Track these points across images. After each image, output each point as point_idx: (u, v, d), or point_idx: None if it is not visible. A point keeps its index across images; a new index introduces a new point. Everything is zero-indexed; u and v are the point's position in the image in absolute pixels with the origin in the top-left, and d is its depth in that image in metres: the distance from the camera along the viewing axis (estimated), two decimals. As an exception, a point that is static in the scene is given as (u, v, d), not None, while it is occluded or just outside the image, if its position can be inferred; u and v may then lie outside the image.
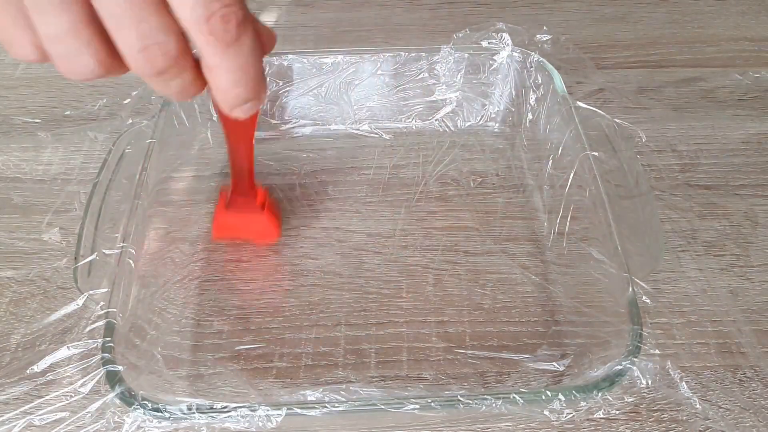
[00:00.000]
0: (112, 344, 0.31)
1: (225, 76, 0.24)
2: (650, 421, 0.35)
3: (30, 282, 0.40)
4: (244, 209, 0.40)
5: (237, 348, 0.37)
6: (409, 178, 0.47)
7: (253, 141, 0.37)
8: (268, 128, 0.50)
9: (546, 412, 0.31)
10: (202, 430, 0.30)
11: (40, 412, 0.33)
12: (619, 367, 0.31)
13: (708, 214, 0.44)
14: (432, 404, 0.30)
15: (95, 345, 0.32)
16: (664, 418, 0.35)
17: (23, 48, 0.23)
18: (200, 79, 0.25)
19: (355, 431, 0.35)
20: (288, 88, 0.49)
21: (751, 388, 0.36)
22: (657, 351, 0.33)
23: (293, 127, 0.50)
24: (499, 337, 0.38)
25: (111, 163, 0.40)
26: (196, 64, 0.24)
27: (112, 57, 0.23)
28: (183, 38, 0.23)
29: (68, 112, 0.51)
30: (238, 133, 0.36)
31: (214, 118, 0.47)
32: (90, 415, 0.31)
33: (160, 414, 0.29)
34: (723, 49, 0.57)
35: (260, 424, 0.29)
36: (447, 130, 0.50)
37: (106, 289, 0.34)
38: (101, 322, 0.32)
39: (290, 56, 0.47)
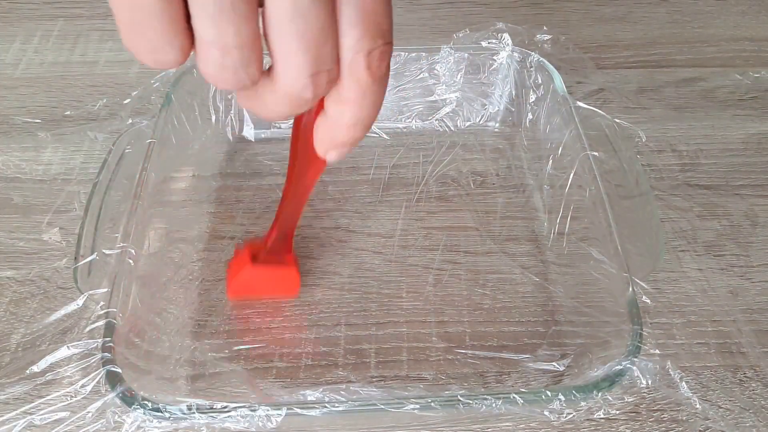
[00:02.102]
0: (112, 344, 0.31)
1: (354, 111, 0.23)
2: (650, 421, 0.35)
3: (30, 282, 0.40)
4: (274, 264, 0.38)
5: (237, 348, 0.37)
6: (409, 178, 0.47)
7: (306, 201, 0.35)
8: (269, 128, 0.50)
9: (546, 412, 0.31)
10: (202, 430, 0.30)
11: (41, 412, 0.33)
12: (619, 367, 0.31)
13: (708, 214, 0.44)
14: (432, 404, 0.30)
15: (95, 345, 0.32)
16: (664, 418, 0.35)
17: (169, 54, 0.21)
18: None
19: (355, 431, 0.35)
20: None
21: (751, 388, 0.36)
22: (657, 351, 0.33)
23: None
24: (499, 337, 0.38)
25: (111, 163, 0.40)
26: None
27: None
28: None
29: (68, 112, 0.51)
30: (301, 189, 0.33)
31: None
32: (90, 415, 0.31)
33: (160, 414, 0.29)
34: (723, 49, 0.57)
35: (260, 424, 0.29)
36: (447, 130, 0.50)
37: (106, 289, 0.34)
38: (101, 322, 0.32)
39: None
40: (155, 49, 0.21)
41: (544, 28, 0.49)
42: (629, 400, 0.34)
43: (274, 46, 0.21)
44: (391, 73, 0.48)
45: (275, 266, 0.38)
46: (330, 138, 0.25)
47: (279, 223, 0.36)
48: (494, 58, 0.48)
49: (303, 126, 0.29)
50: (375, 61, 0.22)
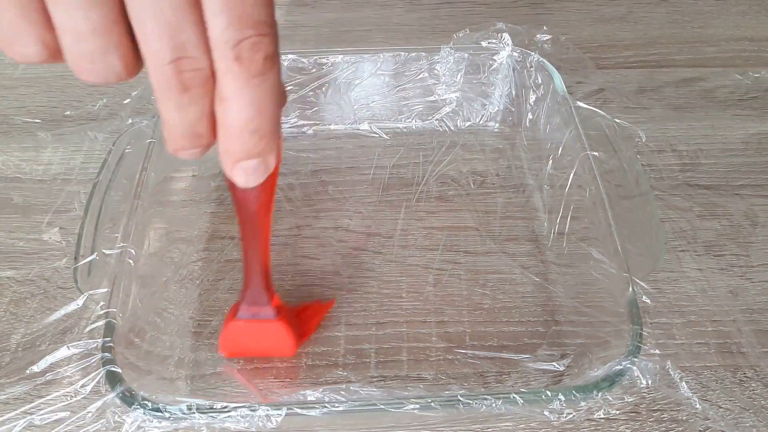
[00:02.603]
0: (112, 344, 0.31)
1: (238, 111, 0.22)
2: (650, 421, 0.35)
3: (30, 282, 0.40)
4: (256, 317, 0.34)
5: (237, 348, 0.37)
6: (409, 178, 0.47)
7: (269, 235, 0.31)
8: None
9: (546, 412, 0.31)
10: (202, 430, 0.30)
11: (41, 412, 0.33)
12: (619, 367, 0.31)
13: (708, 214, 0.44)
14: (432, 404, 0.30)
15: (95, 345, 0.32)
16: (664, 418, 0.35)
17: (28, 47, 0.20)
18: (213, 121, 0.23)
19: (355, 431, 0.35)
20: (288, 88, 0.49)
21: (751, 388, 0.36)
22: (657, 351, 0.33)
23: (293, 127, 0.50)
24: (499, 337, 0.38)
25: (111, 163, 0.40)
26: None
27: (137, 61, 0.21)
28: (212, 63, 0.21)
29: (68, 112, 0.51)
30: (249, 218, 0.30)
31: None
32: (90, 415, 0.31)
33: (160, 414, 0.29)
34: (723, 49, 0.57)
35: (260, 424, 0.29)
36: (447, 130, 0.50)
37: (106, 289, 0.34)
38: (101, 322, 0.32)
39: (290, 56, 0.47)
40: (13, 41, 0.20)
41: (544, 28, 0.49)
42: (629, 400, 0.34)
43: (136, 32, 0.20)
44: (391, 73, 0.49)
45: (258, 321, 0.34)
46: (225, 150, 0.23)
47: (246, 270, 0.33)
48: (494, 58, 0.48)
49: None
50: (246, 52, 0.20)
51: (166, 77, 0.21)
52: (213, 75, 0.21)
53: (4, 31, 0.20)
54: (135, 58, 0.21)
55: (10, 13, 0.20)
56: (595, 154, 0.40)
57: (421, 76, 0.48)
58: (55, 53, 0.21)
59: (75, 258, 0.35)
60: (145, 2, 0.19)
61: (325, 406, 0.29)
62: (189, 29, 0.20)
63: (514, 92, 0.49)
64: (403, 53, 0.47)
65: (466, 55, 0.48)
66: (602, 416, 0.34)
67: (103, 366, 0.31)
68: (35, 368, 0.34)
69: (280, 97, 0.23)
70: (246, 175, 0.24)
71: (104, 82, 0.21)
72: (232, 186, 0.27)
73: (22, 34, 0.20)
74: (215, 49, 0.21)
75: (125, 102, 0.47)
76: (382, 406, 0.30)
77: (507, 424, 0.35)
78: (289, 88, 0.49)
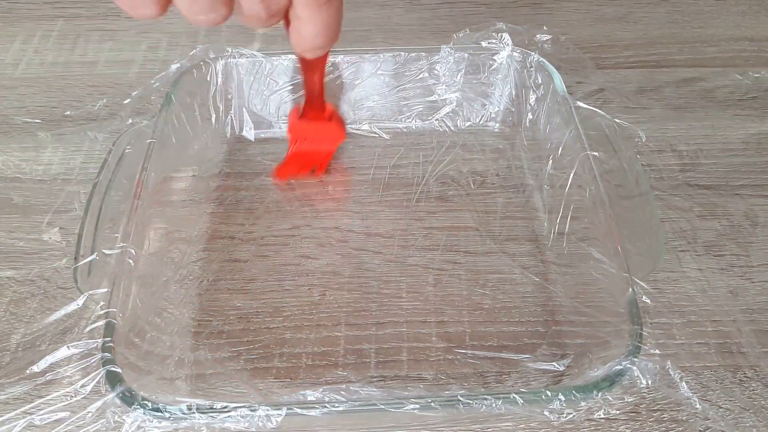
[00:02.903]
0: (112, 344, 0.31)
1: (310, 28, 0.29)
2: (650, 421, 0.35)
3: (30, 282, 0.40)
4: (315, 119, 0.46)
5: (237, 348, 0.37)
6: (409, 178, 0.47)
7: (325, 67, 0.42)
8: (268, 128, 0.50)
9: (546, 412, 0.31)
10: (202, 430, 0.30)
11: (41, 412, 0.33)
12: (619, 367, 0.31)
13: (708, 214, 0.44)
14: (432, 404, 0.30)
15: (95, 345, 0.32)
16: (664, 418, 0.35)
17: (149, 7, 0.27)
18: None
19: (355, 431, 0.35)
20: (288, 88, 0.49)
21: (751, 388, 0.36)
22: (657, 351, 0.33)
23: (293, 127, 0.50)
24: (499, 337, 0.38)
25: (111, 163, 0.40)
26: None
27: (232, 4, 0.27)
28: None
29: (68, 112, 0.51)
30: (313, 64, 0.40)
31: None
32: (90, 415, 0.31)
33: (160, 414, 0.29)
34: (723, 49, 0.57)
35: (260, 424, 0.29)
36: (447, 130, 0.50)
37: (106, 289, 0.34)
38: (101, 322, 0.32)
39: (290, 56, 0.47)
40: (137, 4, 0.27)
41: (544, 28, 0.49)
42: (629, 400, 0.34)
43: None
44: (391, 73, 0.49)
45: (317, 121, 0.46)
46: (298, 46, 0.31)
47: (306, 90, 0.43)
48: (494, 58, 0.48)
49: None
50: None
51: (258, 13, 0.28)
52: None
53: None
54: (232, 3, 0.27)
55: None
56: (595, 154, 0.40)
57: (421, 76, 0.48)
58: (167, 6, 0.27)
59: (75, 258, 0.35)
60: None
61: (325, 406, 0.29)
62: None
63: (514, 92, 0.49)
64: (403, 53, 0.47)
65: (466, 55, 0.48)
66: (602, 416, 0.34)
67: (103, 366, 0.31)
68: (35, 368, 0.34)
69: (341, 8, 0.29)
70: (313, 55, 0.32)
71: (213, 24, 0.28)
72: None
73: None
74: None
75: (125, 102, 0.47)
76: (382, 406, 0.30)
77: (507, 424, 0.35)
78: (288, 88, 0.49)
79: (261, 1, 0.27)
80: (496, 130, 0.50)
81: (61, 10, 0.61)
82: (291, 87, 0.49)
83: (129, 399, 0.30)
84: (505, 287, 0.40)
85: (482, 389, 0.36)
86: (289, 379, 0.36)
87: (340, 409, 0.29)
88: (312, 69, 0.41)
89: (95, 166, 0.42)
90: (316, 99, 0.44)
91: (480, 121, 0.50)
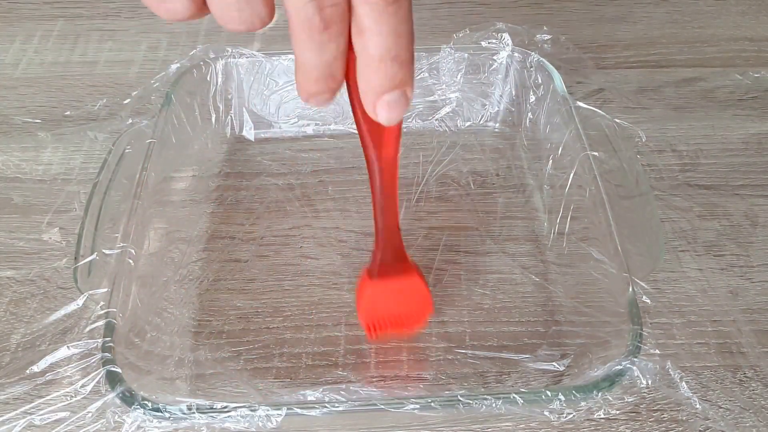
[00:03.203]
0: (112, 344, 0.31)
1: (378, 40, 0.22)
2: (650, 421, 0.35)
3: (30, 282, 0.40)
4: (396, 274, 0.33)
5: (237, 348, 0.37)
6: (409, 178, 0.47)
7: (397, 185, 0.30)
8: (268, 128, 0.50)
9: (546, 412, 0.31)
10: (202, 430, 0.30)
11: (41, 412, 0.33)
12: (619, 367, 0.31)
13: (708, 214, 0.44)
14: (432, 404, 0.30)
15: (95, 345, 0.32)
16: (664, 418, 0.35)
17: (177, 3, 0.22)
18: (347, 58, 0.24)
19: (355, 431, 0.35)
20: (288, 88, 0.49)
21: (751, 388, 0.36)
22: (657, 351, 0.33)
23: (293, 127, 0.50)
24: (499, 337, 0.38)
25: (111, 163, 0.40)
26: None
27: (274, 6, 0.22)
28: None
29: (68, 112, 0.51)
30: (386, 167, 0.29)
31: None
32: (90, 415, 0.31)
33: (160, 414, 0.29)
34: (723, 49, 0.57)
35: (260, 424, 0.29)
36: (447, 130, 0.50)
37: (106, 289, 0.34)
38: (101, 322, 0.32)
39: (290, 56, 0.47)
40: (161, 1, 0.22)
41: (544, 28, 0.49)
42: (629, 400, 0.34)
43: None
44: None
45: (400, 277, 0.34)
46: (367, 85, 0.24)
47: (378, 227, 0.32)
48: (494, 58, 0.48)
49: (357, 104, 0.26)
50: None
51: (307, 16, 0.21)
52: (349, 10, 0.22)
53: None
54: (274, 2, 0.22)
55: None
56: (595, 154, 0.40)
57: (421, 76, 0.48)
58: (201, 7, 0.22)
59: (75, 258, 0.35)
60: None
61: (325, 406, 0.29)
62: None
63: (514, 92, 0.49)
64: (403, 53, 0.47)
65: (466, 55, 0.48)
66: (602, 416, 0.34)
67: (103, 366, 0.31)
68: (35, 368, 0.34)
69: (412, 26, 0.23)
70: (389, 109, 0.24)
71: (249, 29, 0.22)
72: (369, 132, 0.28)
73: None
74: None
75: (125, 102, 0.47)
76: (382, 406, 0.30)
77: (507, 424, 0.35)
78: (288, 88, 0.49)
79: (309, 1, 0.21)
80: (496, 130, 0.50)
81: (61, 10, 0.61)
82: (291, 87, 0.49)
83: (129, 399, 0.30)
84: (505, 287, 0.40)
85: (482, 389, 0.36)
86: (289, 379, 0.36)
87: (340, 409, 0.29)
88: (385, 175, 0.29)
89: (95, 166, 0.42)
90: (395, 235, 0.32)
91: (480, 121, 0.50)
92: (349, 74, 0.24)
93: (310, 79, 0.23)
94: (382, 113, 0.24)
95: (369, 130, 0.27)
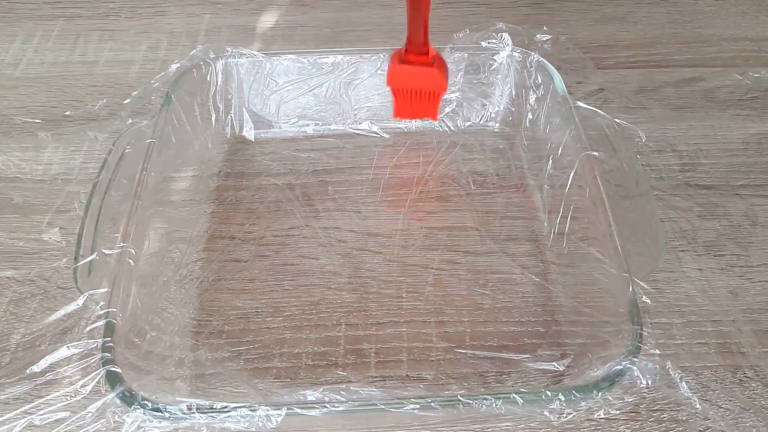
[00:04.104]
0: (112, 344, 0.31)
1: None
2: (650, 421, 0.35)
3: (30, 282, 0.40)
4: (416, 63, 0.43)
5: (237, 348, 0.37)
6: (409, 178, 0.47)
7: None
8: (268, 128, 0.50)
9: (546, 412, 0.31)
10: (202, 430, 0.30)
11: (41, 412, 0.33)
12: (619, 367, 0.31)
13: (708, 214, 0.44)
14: (432, 404, 0.30)
15: (95, 345, 0.32)
16: (664, 418, 0.35)
17: None
18: None
19: (355, 431, 0.35)
20: (288, 88, 0.49)
21: (751, 388, 0.36)
22: (657, 351, 0.33)
23: (293, 127, 0.50)
24: (499, 337, 0.38)
25: (111, 163, 0.40)
26: None
27: None
28: None
29: (68, 112, 0.51)
30: None
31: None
32: (90, 415, 0.31)
33: (160, 414, 0.29)
34: (723, 49, 0.57)
35: (260, 424, 0.29)
36: (447, 130, 0.50)
37: (106, 289, 0.34)
38: (101, 322, 0.32)
39: (290, 56, 0.47)
40: None
41: (544, 28, 0.49)
42: (629, 400, 0.34)
43: None
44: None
45: (418, 65, 0.43)
46: None
47: (410, 25, 0.41)
48: (494, 58, 0.48)
49: None
50: None
51: None
52: None
53: None
54: None
55: None
56: (595, 154, 0.40)
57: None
58: None
59: (75, 258, 0.35)
60: None
61: (325, 406, 0.29)
62: None
63: (514, 92, 0.49)
64: (403, 53, 0.47)
65: (466, 55, 0.48)
66: (602, 416, 0.34)
67: (103, 366, 0.31)
68: (35, 368, 0.34)
69: None
70: None
71: None
72: None
73: None
74: None
75: (125, 102, 0.47)
76: (382, 406, 0.30)
77: (507, 424, 0.35)
78: (288, 88, 0.49)
79: None
80: (496, 130, 0.50)
81: (61, 10, 0.61)
82: (291, 87, 0.49)
83: (129, 399, 0.30)
84: (505, 287, 0.40)
85: (482, 389, 0.36)
86: (289, 379, 0.36)
87: (340, 409, 0.29)
88: None
89: (95, 166, 0.43)
90: (421, 37, 0.41)
91: (480, 121, 0.50)
92: None
93: None
94: None
95: None
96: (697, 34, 0.59)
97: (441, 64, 0.45)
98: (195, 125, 0.47)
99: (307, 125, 0.50)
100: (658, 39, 0.58)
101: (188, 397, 0.30)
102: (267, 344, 0.38)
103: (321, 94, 0.49)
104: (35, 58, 0.56)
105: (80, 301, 0.34)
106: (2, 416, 0.33)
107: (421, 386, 0.36)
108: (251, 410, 0.29)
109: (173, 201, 0.45)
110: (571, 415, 0.31)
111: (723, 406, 0.35)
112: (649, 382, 0.32)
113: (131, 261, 0.35)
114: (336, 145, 0.49)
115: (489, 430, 0.35)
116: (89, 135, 0.48)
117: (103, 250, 0.35)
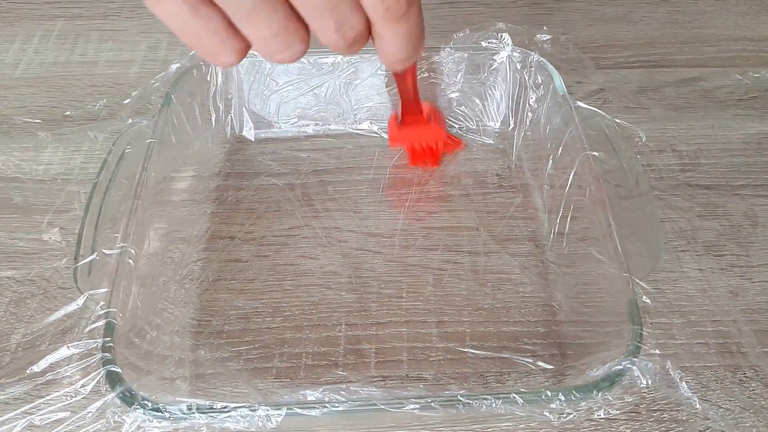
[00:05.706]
0: (112, 344, 0.31)
1: (392, 43, 0.28)
2: (650, 421, 0.35)
3: (30, 282, 0.40)
4: (414, 125, 0.45)
5: (237, 348, 0.37)
6: (409, 178, 0.47)
7: (416, 73, 0.42)
8: (268, 128, 0.50)
9: (546, 412, 0.31)
10: (202, 430, 0.30)
11: (41, 412, 0.33)
12: (619, 367, 0.31)
13: (708, 214, 0.44)
14: (432, 404, 0.30)
15: (95, 345, 0.32)
16: (664, 418, 0.35)
17: (228, 57, 0.27)
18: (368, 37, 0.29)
19: (355, 431, 0.35)
20: (288, 88, 0.49)
21: (751, 388, 0.36)
22: (657, 351, 0.33)
23: (293, 127, 0.50)
24: (499, 337, 0.38)
25: (111, 163, 0.40)
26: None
27: (309, 37, 0.27)
28: (365, 14, 0.27)
29: (68, 112, 0.51)
30: (404, 72, 0.40)
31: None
32: (90, 415, 0.31)
33: (160, 414, 0.29)
34: (723, 49, 0.57)
35: (260, 424, 0.29)
36: (447, 130, 0.50)
37: (106, 289, 0.34)
38: (101, 322, 0.32)
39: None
40: (217, 56, 0.27)
41: (544, 28, 0.49)
42: (629, 400, 0.34)
43: (307, 20, 0.26)
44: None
45: (417, 127, 0.45)
46: (385, 61, 0.30)
47: (401, 96, 0.42)
48: (494, 58, 0.48)
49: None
50: (392, 3, 0.26)
51: (335, 41, 0.27)
52: (368, 21, 0.27)
53: (209, 51, 0.27)
54: (308, 36, 0.27)
55: (211, 40, 0.26)
56: (595, 154, 0.40)
57: (421, 76, 0.48)
58: (246, 52, 0.28)
59: (75, 258, 0.35)
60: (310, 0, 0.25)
61: (325, 406, 0.29)
62: (344, 5, 0.26)
63: (514, 92, 0.49)
64: (403, 53, 0.47)
65: (466, 55, 0.47)
66: (602, 416, 0.34)
67: (103, 366, 0.31)
68: (35, 368, 0.34)
69: (421, 17, 0.29)
70: (402, 67, 0.31)
71: (292, 61, 0.28)
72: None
73: (223, 50, 0.27)
74: (368, 9, 0.26)
75: (125, 102, 0.47)
76: (382, 406, 0.30)
77: (507, 424, 0.35)
78: (288, 88, 0.49)
79: (336, 31, 0.27)
80: (496, 130, 0.50)
81: (61, 10, 0.61)
82: (291, 87, 0.49)
83: (129, 399, 0.30)
84: (505, 287, 0.40)
85: (482, 389, 0.36)
86: (289, 379, 0.36)
87: (340, 409, 0.29)
88: (403, 76, 0.41)
89: (95, 166, 0.43)
90: (413, 103, 0.43)
91: (480, 121, 0.50)
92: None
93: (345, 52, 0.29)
94: (397, 68, 0.33)
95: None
96: (697, 34, 0.59)
97: (437, 118, 0.47)
98: (195, 125, 0.47)
99: (307, 125, 0.50)
100: (658, 39, 0.58)
101: (188, 397, 0.30)
102: (267, 344, 0.38)
103: (321, 94, 0.49)
104: (35, 58, 0.56)
105: (80, 301, 0.34)
106: (2, 416, 0.33)
107: (421, 386, 0.36)
108: (251, 410, 0.29)
109: (173, 201, 0.45)
110: (571, 415, 0.31)
111: (723, 406, 0.35)
112: (649, 382, 0.32)
113: (131, 261, 0.35)
114: (336, 145, 0.49)
115: (489, 430, 0.35)
116: (89, 135, 0.48)
117: (103, 250, 0.35)
